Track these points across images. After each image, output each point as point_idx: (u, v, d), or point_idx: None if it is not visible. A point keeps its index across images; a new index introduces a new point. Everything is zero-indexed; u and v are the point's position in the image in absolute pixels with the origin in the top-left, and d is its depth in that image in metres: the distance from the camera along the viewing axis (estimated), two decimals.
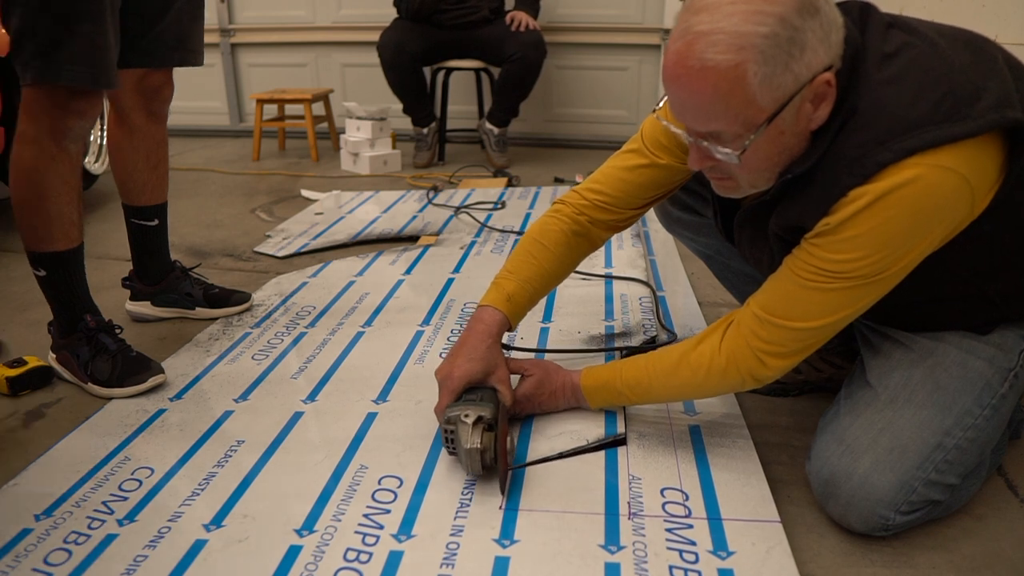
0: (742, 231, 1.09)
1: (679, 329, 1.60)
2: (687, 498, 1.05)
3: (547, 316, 1.67)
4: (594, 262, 2.00)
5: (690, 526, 1.00)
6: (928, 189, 0.84)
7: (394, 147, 3.56)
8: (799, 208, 0.93)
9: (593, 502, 1.05)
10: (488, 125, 3.53)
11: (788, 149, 0.90)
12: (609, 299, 1.75)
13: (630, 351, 1.46)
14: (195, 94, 4.52)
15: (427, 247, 2.24)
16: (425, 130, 3.56)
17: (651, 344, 1.52)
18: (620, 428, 1.21)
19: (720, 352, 1.03)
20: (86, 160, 2.86)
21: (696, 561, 0.93)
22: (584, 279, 1.88)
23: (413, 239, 2.36)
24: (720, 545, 0.96)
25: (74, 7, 1.25)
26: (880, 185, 0.85)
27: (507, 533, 0.99)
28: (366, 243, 2.36)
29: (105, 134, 2.62)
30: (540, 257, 1.24)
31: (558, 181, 3.22)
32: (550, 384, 1.22)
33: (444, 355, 1.51)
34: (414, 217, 2.58)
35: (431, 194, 2.85)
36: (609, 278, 1.84)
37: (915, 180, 0.83)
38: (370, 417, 1.29)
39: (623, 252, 2.08)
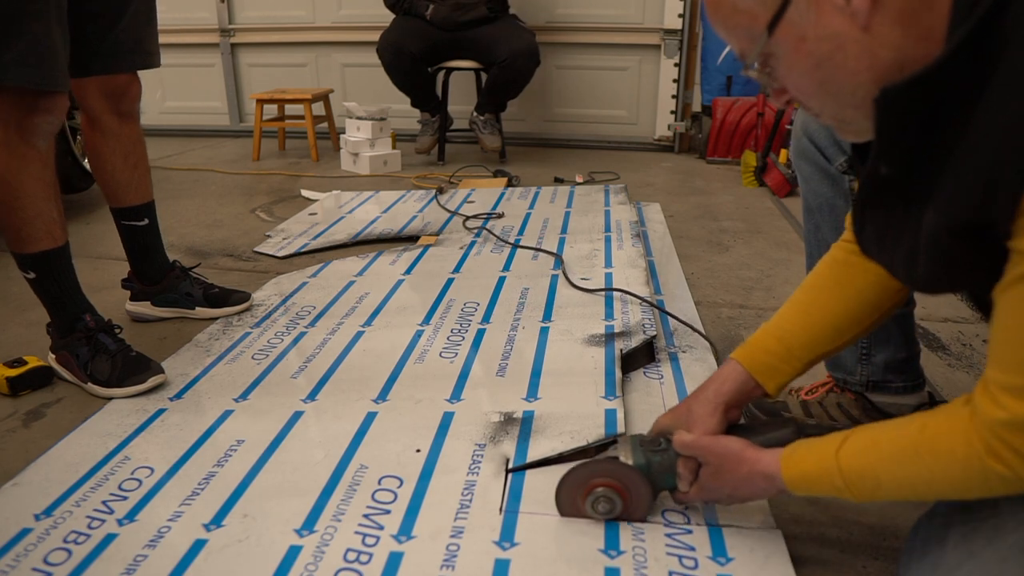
0: (867, 212, 0.85)
1: (676, 332, 1.61)
2: (686, 506, 1.04)
3: (547, 315, 1.67)
4: (594, 262, 2.00)
5: (689, 531, 0.99)
6: None
7: (394, 147, 3.56)
8: (961, 185, 0.64)
9: None
10: (475, 114, 3.55)
11: (832, 61, 0.69)
12: (609, 298, 1.75)
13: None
14: (195, 94, 4.53)
15: (427, 247, 2.24)
16: (432, 116, 3.58)
17: (649, 345, 1.51)
18: (620, 428, 1.21)
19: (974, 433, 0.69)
20: (85, 161, 2.86)
21: (696, 567, 0.93)
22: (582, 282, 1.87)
23: (413, 239, 2.36)
24: (719, 551, 0.96)
25: (17, 8, 1.25)
26: None
27: (508, 535, 0.99)
28: (366, 243, 2.36)
29: None
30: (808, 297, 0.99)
31: (558, 181, 3.22)
32: (732, 475, 0.91)
33: (443, 354, 1.51)
34: (414, 217, 2.58)
35: (437, 195, 2.85)
36: (609, 291, 1.82)
37: None
38: (370, 416, 1.29)
39: (623, 252, 2.08)
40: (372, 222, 2.54)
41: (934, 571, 0.78)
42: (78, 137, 2.80)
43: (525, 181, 3.19)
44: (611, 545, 0.97)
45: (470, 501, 1.06)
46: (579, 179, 3.22)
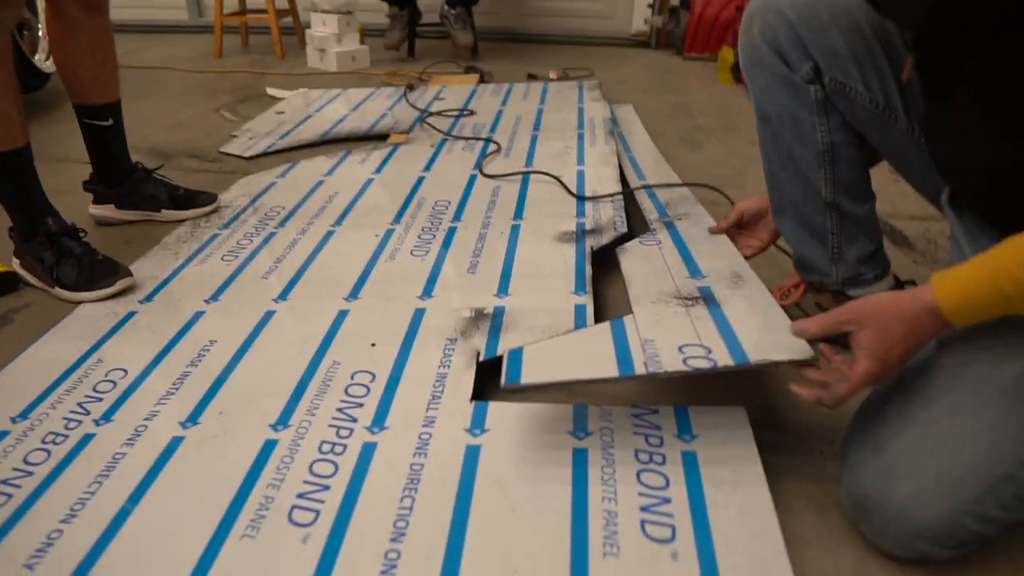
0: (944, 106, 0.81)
1: (669, 204, 1.58)
2: None
3: (518, 214, 1.67)
4: (566, 160, 1.98)
5: (656, 411, 1.03)
6: None
7: (362, 43, 3.43)
8: None
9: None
10: (446, 8, 3.42)
11: None
12: (581, 195, 1.74)
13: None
14: None
15: (397, 145, 2.20)
16: (401, 10, 3.44)
17: (622, 240, 1.52)
18: (590, 322, 1.23)
19: None
20: (36, 58, 2.73)
21: (661, 444, 0.97)
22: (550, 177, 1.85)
23: (383, 137, 2.31)
24: (684, 429, 1.00)
25: None
26: None
27: (478, 423, 1.02)
28: (334, 142, 2.31)
29: None
30: None
31: (531, 78, 3.14)
32: (894, 329, 0.81)
33: (415, 252, 1.51)
34: (384, 115, 2.52)
35: (407, 92, 2.77)
36: (526, 173, 1.80)
37: None
38: (342, 315, 1.30)
39: (595, 149, 2.05)
40: (340, 120, 2.48)
41: (876, 442, 0.85)
42: (24, 33, 2.66)
43: (498, 77, 3.11)
44: (579, 427, 1.00)
45: (441, 393, 1.08)
46: (552, 75, 3.14)
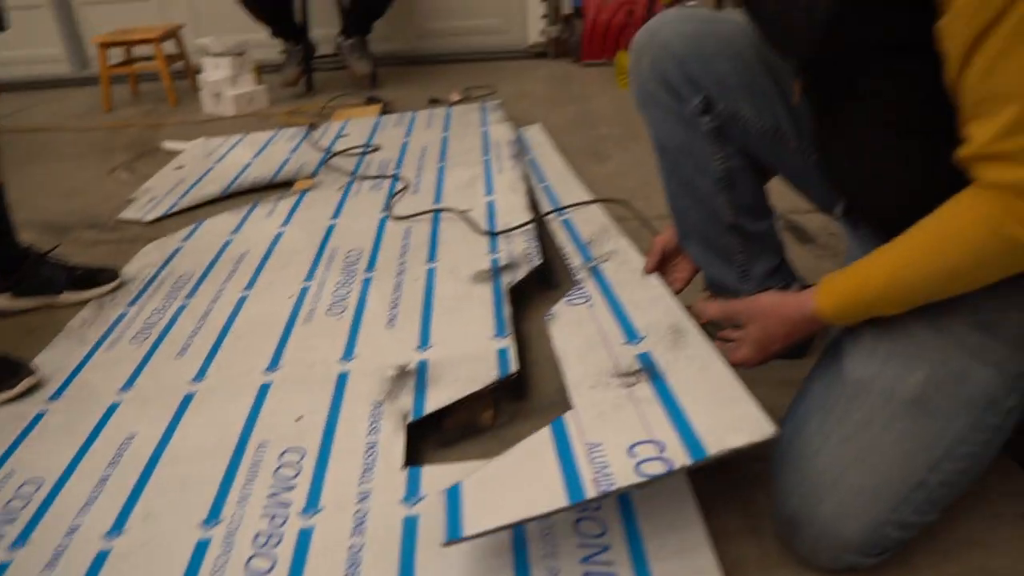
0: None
1: (592, 242, 1.57)
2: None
3: (432, 255, 1.66)
4: (475, 191, 1.99)
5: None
6: None
7: (259, 82, 3.37)
8: None
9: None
10: (341, 39, 3.41)
11: None
12: (494, 233, 1.75)
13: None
14: (24, 40, 4.09)
15: (304, 192, 2.16)
16: (295, 46, 3.39)
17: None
18: (513, 367, 1.23)
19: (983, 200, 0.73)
20: None
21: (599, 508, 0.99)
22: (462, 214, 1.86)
23: (289, 184, 2.28)
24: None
25: None
26: None
27: (413, 491, 1.02)
28: (239, 194, 2.26)
29: None
30: None
31: (433, 102, 3.14)
32: (776, 331, 0.96)
33: (331, 311, 1.49)
34: (287, 159, 2.48)
35: (309, 132, 2.72)
36: (436, 211, 1.81)
37: None
38: (263, 389, 1.27)
39: (503, 177, 2.07)
40: (244, 169, 2.43)
41: (798, 462, 0.89)
42: None
43: (400, 105, 3.10)
44: None
45: (373, 463, 1.07)
46: (454, 97, 3.15)
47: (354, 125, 2.78)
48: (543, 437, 0.97)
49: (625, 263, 1.41)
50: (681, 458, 0.85)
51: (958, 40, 0.68)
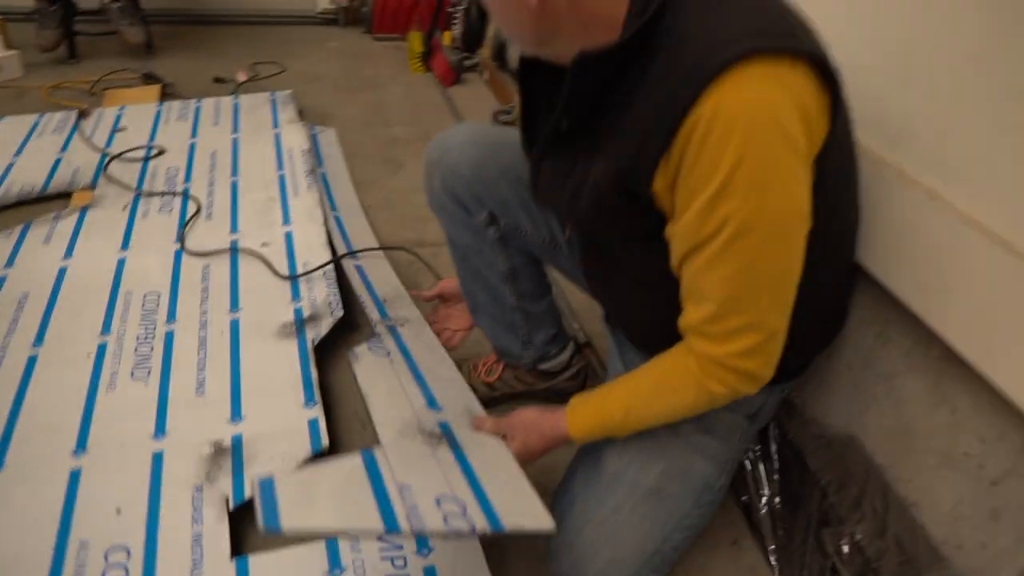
0: (543, 164, 1.05)
1: (387, 301, 1.69)
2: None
3: (234, 303, 1.69)
4: (273, 217, 2.01)
5: (401, 547, 1.19)
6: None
7: (9, 46, 2.99)
8: (624, 142, 0.86)
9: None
10: (108, 1, 3.12)
11: (519, 17, 0.87)
12: (294, 277, 1.81)
13: None
14: None
15: (85, 209, 2.04)
16: (51, 5, 3.04)
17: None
18: (324, 441, 1.34)
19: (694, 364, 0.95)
20: None
21: (405, 566, 1.16)
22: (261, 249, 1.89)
23: (63, 196, 2.13)
24: (423, 544, 1.19)
25: None
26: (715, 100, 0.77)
27: None
28: (4, 209, 2.08)
29: None
30: None
31: (218, 81, 3.01)
32: (536, 445, 1.12)
33: (136, 374, 1.49)
34: (59, 161, 2.30)
35: (80, 121, 2.51)
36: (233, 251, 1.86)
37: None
38: (75, 476, 1.27)
39: (299, 201, 2.09)
40: (6, 174, 2.21)
41: (567, 535, 1.09)
42: None
43: (182, 84, 2.93)
44: (334, 564, 1.16)
45: (201, 557, 1.16)
46: (241, 77, 3.04)
47: (131, 114, 2.61)
48: (356, 463, 1.04)
49: (419, 336, 1.56)
50: (481, 522, 0.94)
51: (679, 246, 0.90)
